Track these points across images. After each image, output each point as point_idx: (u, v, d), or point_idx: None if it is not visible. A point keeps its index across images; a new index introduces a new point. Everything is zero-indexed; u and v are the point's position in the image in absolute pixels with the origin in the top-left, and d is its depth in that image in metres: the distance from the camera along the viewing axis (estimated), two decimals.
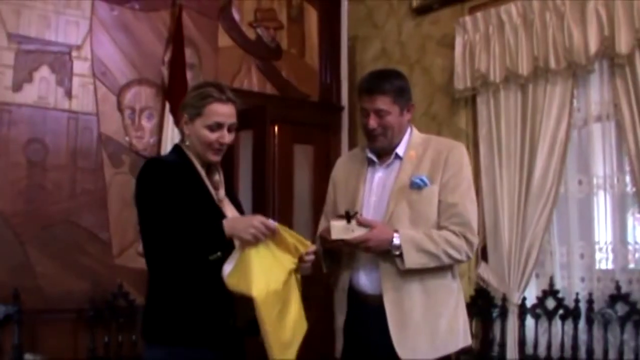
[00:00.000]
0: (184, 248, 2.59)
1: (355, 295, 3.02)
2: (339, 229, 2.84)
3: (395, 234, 2.86)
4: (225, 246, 2.59)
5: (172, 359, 2.63)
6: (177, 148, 2.88)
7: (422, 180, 2.96)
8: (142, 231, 2.69)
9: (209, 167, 2.85)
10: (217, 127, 2.75)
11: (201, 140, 2.76)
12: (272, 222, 2.62)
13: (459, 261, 2.99)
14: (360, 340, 3.02)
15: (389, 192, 3.01)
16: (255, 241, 2.58)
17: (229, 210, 2.84)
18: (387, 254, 2.89)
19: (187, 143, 2.82)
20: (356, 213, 2.90)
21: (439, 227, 2.95)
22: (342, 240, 2.83)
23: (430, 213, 2.95)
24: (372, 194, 3.06)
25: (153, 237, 2.64)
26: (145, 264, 2.70)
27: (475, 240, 2.99)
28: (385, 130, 2.98)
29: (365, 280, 2.99)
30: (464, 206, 2.96)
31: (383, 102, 2.95)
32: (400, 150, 3.05)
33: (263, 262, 2.59)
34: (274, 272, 2.62)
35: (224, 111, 2.77)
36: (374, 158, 3.09)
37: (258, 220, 2.60)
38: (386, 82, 2.98)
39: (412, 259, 2.86)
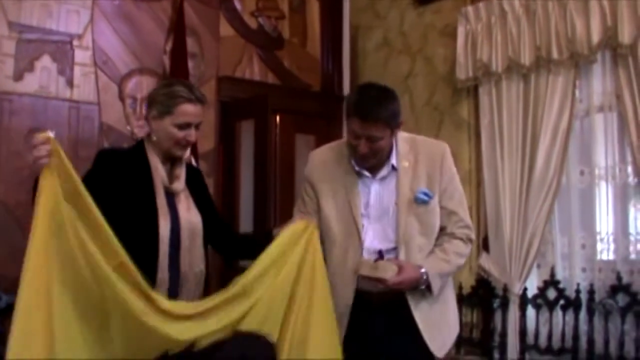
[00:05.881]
0: None
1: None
2: (366, 266, 2.90)
3: (422, 271, 2.93)
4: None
5: None
6: (140, 142, 3.01)
7: (426, 194, 2.99)
8: None
9: (174, 162, 2.97)
10: (186, 126, 2.88)
11: (169, 137, 2.89)
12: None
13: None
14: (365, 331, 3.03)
15: (392, 207, 3.02)
16: (42, 159, 2.40)
17: (184, 203, 2.93)
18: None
19: (154, 138, 2.93)
20: (382, 257, 2.96)
21: (447, 233, 3.06)
22: (377, 279, 2.86)
23: (436, 222, 3.04)
24: (372, 208, 3.03)
25: None
26: None
27: (474, 237, 3.16)
28: (375, 153, 2.94)
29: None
30: (464, 210, 3.12)
31: (377, 129, 2.87)
32: (394, 161, 3.04)
33: None
34: None
35: (193, 111, 2.90)
36: (366, 172, 3.04)
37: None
38: (381, 108, 2.86)
39: (437, 288, 2.98)
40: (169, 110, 2.86)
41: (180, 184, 2.95)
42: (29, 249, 2.35)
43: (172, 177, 2.94)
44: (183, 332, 2.52)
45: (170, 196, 2.90)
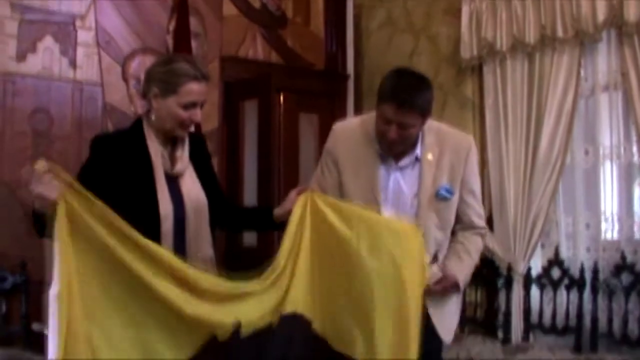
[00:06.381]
0: None
1: None
2: None
3: (458, 282, 2.98)
4: (37, 218, 2.42)
5: None
6: (137, 122, 2.85)
7: (448, 191, 2.97)
8: None
9: (175, 142, 2.84)
10: (191, 105, 2.74)
11: (173, 118, 2.74)
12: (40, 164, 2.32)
13: None
14: None
15: (411, 198, 2.99)
16: (52, 195, 2.29)
17: (187, 184, 2.83)
18: None
19: (153, 118, 2.78)
20: (435, 259, 2.97)
21: (465, 226, 3.09)
22: None
23: (453, 217, 3.05)
24: (389, 194, 2.99)
25: None
26: None
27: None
28: (403, 141, 2.87)
29: None
30: (480, 203, 3.14)
31: (411, 117, 2.79)
32: (418, 151, 2.98)
33: None
34: None
35: (199, 90, 2.75)
36: (391, 158, 2.99)
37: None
38: (419, 96, 2.79)
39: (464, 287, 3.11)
40: (174, 89, 2.70)
41: (182, 165, 2.83)
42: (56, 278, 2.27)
43: (173, 159, 2.82)
44: (225, 315, 2.48)
45: (173, 180, 2.79)
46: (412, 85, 2.82)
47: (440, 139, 3.02)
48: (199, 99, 2.76)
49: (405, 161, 2.99)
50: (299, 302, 2.64)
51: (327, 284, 2.70)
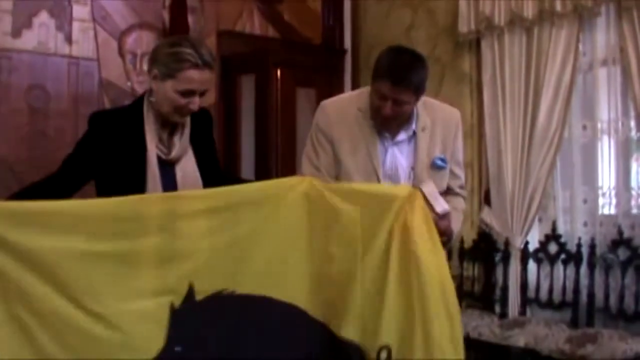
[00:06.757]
0: None
1: None
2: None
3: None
4: None
5: None
6: (139, 100, 2.80)
7: (443, 161, 3.04)
8: None
9: (175, 126, 2.78)
10: (189, 93, 2.66)
11: (169, 103, 2.67)
12: None
13: None
14: None
15: (407, 171, 3.03)
16: None
17: (184, 169, 2.78)
18: None
19: (154, 99, 2.73)
20: None
21: (452, 192, 3.15)
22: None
23: (444, 185, 3.09)
24: (387, 169, 3.02)
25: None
26: None
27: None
28: (398, 117, 2.90)
29: None
30: (463, 173, 3.26)
31: (406, 95, 2.83)
32: (414, 126, 3.02)
33: None
34: None
35: (199, 78, 2.66)
36: (387, 134, 3.01)
37: None
38: (414, 74, 2.82)
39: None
40: (172, 74, 2.62)
41: (179, 151, 2.76)
42: None
43: (170, 144, 2.76)
44: (170, 271, 2.42)
45: (169, 165, 2.74)
46: (408, 63, 2.86)
47: (431, 112, 3.08)
48: (198, 88, 2.67)
49: (401, 136, 3.03)
50: (289, 290, 2.60)
51: (331, 271, 2.63)
